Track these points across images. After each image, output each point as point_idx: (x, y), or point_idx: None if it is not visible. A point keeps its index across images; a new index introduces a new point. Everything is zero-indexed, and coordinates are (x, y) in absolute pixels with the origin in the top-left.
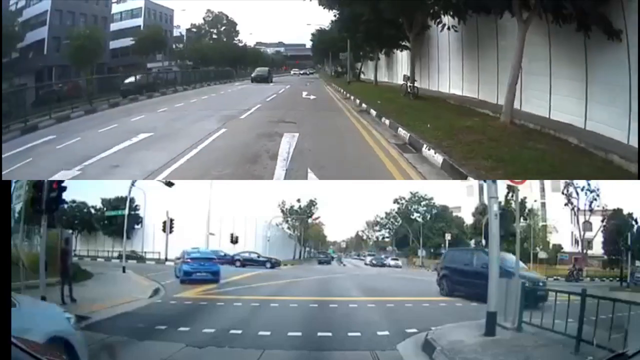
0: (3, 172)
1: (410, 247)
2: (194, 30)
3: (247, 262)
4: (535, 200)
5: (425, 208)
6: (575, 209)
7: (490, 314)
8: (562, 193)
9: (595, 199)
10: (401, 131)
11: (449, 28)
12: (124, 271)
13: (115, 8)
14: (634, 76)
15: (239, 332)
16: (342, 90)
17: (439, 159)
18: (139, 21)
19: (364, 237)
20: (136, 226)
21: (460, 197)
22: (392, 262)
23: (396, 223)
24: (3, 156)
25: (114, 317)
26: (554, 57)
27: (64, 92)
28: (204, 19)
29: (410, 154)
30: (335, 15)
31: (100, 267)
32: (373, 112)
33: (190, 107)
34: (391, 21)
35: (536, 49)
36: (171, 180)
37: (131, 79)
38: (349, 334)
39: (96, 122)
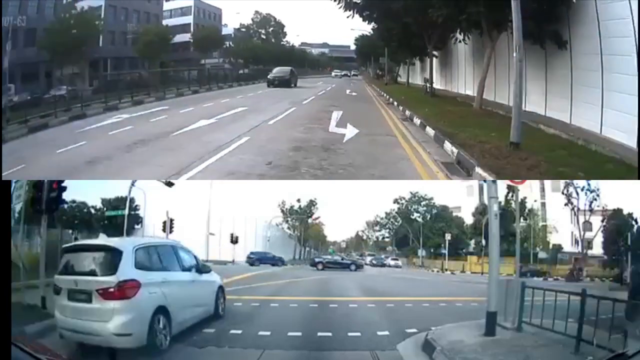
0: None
1: (410, 247)
2: (243, 30)
3: (330, 265)
4: (535, 200)
5: (425, 208)
6: (575, 209)
7: (490, 314)
8: (562, 193)
9: (595, 199)
10: (407, 112)
11: (460, 41)
12: None
13: (165, 6)
14: (575, 73)
15: (239, 332)
16: (378, 90)
17: (418, 122)
18: (189, 19)
19: (364, 237)
20: (136, 226)
21: (460, 197)
22: (392, 262)
23: (396, 223)
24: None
25: None
26: (528, 62)
27: (130, 81)
28: (252, 19)
29: (407, 122)
30: (373, 27)
31: None
32: (395, 103)
33: (260, 96)
34: (418, 34)
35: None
36: (171, 180)
37: (245, 71)
38: (349, 334)
39: (193, 101)
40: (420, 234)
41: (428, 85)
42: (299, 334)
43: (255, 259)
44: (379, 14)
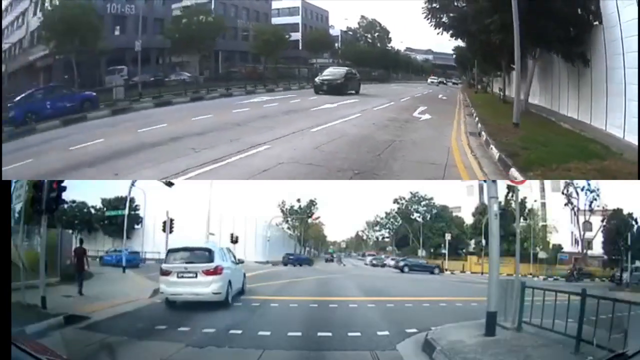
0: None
1: (410, 247)
2: (350, 33)
3: (415, 268)
4: (535, 200)
5: (425, 208)
6: (575, 209)
7: (490, 314)
8: (562, 193)
9: (595, 199)
10: (472, 111)
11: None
12: (124, 271)
13: (273, 5)
14: (594, 86)
15: (239, 332)
16: (466, 96)
17: (474, 115)
18: (296, 19)
19: (364, 237)
20: (136, 226)
21: (460, 197)
22: (392, 263)
23: (396, 223)
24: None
25: (114, 317)
26: (569, 79)
27: (245, 74)
28: (358, 23)
29: (469, 116)
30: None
31: (100, 267)
32: (470, 105)
33: (366, 93)
34: (494, 51)
35: (562, 71)
36: (171, 180)
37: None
38: (349, 334)
39: (314, 93)
40: (420, 234)
41: (501, 93)
42: (299, 334)
43: (294, 260)
44: (462, 32)
